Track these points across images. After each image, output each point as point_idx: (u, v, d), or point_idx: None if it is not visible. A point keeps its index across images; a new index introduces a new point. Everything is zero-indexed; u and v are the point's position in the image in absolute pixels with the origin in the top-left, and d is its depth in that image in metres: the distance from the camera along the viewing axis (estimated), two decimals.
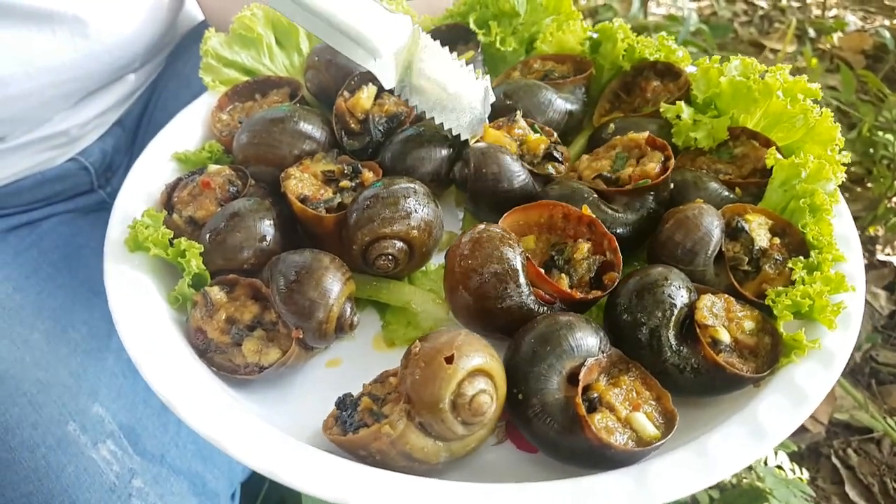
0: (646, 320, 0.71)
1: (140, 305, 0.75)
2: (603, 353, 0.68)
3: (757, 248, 0.77)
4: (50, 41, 1.01)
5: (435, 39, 1.06)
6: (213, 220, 0.80)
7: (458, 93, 0.86)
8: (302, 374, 0.77)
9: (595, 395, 0.66)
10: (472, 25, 1.05)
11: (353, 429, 0.65)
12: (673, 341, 0.70)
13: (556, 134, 0.92)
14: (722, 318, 0.72)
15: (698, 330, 0.70)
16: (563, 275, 0.76)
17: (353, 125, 0.92)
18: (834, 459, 1.51)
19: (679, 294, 0.72)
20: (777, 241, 0.79)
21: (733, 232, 0.79)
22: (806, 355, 0.69)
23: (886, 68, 2.30)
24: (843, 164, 0.84)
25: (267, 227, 0.79)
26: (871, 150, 1.99)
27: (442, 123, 0.86)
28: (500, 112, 0.94)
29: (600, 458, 0.64)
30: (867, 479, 1.48)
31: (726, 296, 0.74)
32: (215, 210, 0.82)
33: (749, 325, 0.72)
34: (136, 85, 1.28)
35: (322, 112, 0.94)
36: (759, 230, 0.79)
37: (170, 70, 1.34)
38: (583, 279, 0.76)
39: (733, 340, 0.71)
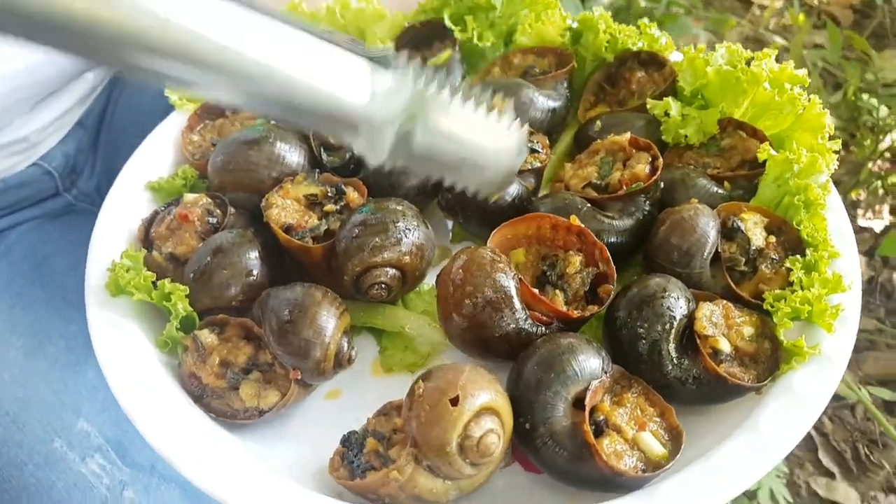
0: (646, 334, 0.70)
1: (128, 353, 0.73)
2: (606, 373, 0.67)
3: (753, 247, 0.76)
4: (1, 49, 0.97)
5: (410, 38, 1.04)
6: (196, 257, 0.77)
7: (481, 147, 0.66)
8: (301, 408, 0.76)
9: (601, 417, 0.66)
10: (447, 22, 1.01)
11: (360, 471, 0.64)
12: (674, 354, 0.70)
13: (527, 124, 0.89)
14: (721, 326, 0.71)
15: (698, 340, 0.70)
16: (557, 291, 0.75)
17: (331, 139, 0.89)
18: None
19: (678, 305, 0.71)
20: (773, 239, 0.78)
21: (729, 232, 0.77)
22: (806, 361, 0.68)
23: (874, 24, 2.26)
24: (834, 152, 0.83)
25: (253, 261, 0.76)
26: (856, 115, 1.98)
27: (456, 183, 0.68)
28: None
29: (611, 485, 0.64)
30: (840, 445, 1.52)
31: (725, 302, 0.73)
32: (196, 244, 0.79)
33: (748, 330, 0.71)
34: (94, 82, 1.23)
35: (298, 129, 0.91)
36: (754, 229, 0.77)
37: None
38: (578, 293, 0.75)
39: (733, 349, 0.70)
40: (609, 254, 0.75)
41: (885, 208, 1.96)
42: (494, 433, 0.61)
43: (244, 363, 0.71)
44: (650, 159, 0.83)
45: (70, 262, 0.79)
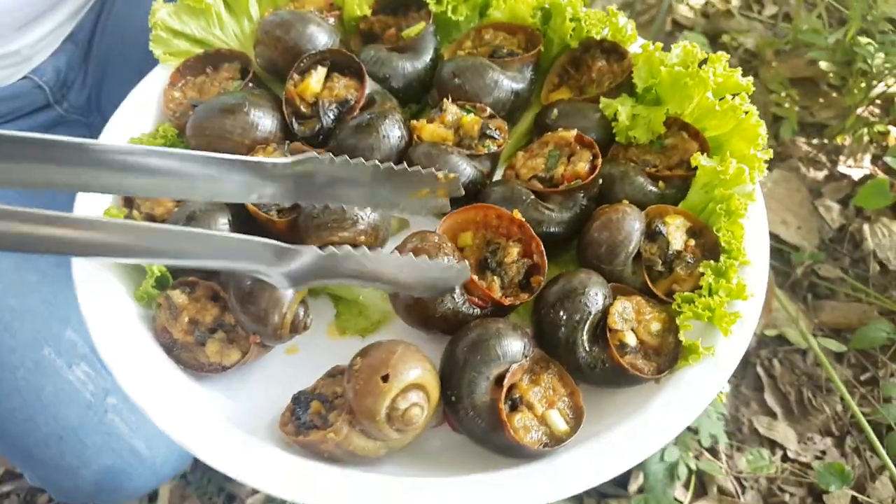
0: (565, 323, 0.79)
1: (108, 304, 0.81)
2: (526, 357, 0.77)
3: (671, 251, 0.84)
4: None
5: (387, 4, 1.06)
6: (171, 220, 0.84)
7: (402, 283, 0.75)
8: (261, 363, 0.85)
9: (517, 395, 0.76)
10: None
11: (304, 429, 0.74)
12: (586, 343, 0.79)
13: (488, 109, 0.94)
14: (632, 321, 0.80)
15: (609, 333, 0.79)
16: (494, 277, 0.83)
17: (303, 109, 0.94)
18: (759, 369, 1.63)
19: (595, 301, 0.79)
20: (692, 242, 0.85)
21: (652, 234, 0.85)
22: (700, 360, 0.78)
23: None
24: (766, 162, 0.89)
25: (222, 228, 0.83)
26: (851, 60, 1.95)
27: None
28: (448, 88, 0.97)
29: (516, 453, 0.74)
30: (785, 387, 1.60)
31: (639, 298, 0.81)
32: (173, 207, 0.86)
33: (656, 326, 0.80)
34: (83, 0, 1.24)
35: (273, 95, 0.95)
36: (675, 233, 0.85)
37: None
38: (513, 281, 0.83)
39: (640, 342, 0.80)
40: (544, 247, 0.82)
41: (867, 157, 1.97)
42: (418, 406, 0.71)
43: (210, 323, 0.80)
44: (591, 157, 0.89)
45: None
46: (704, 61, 0.92)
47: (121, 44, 1.28)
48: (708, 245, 0.85)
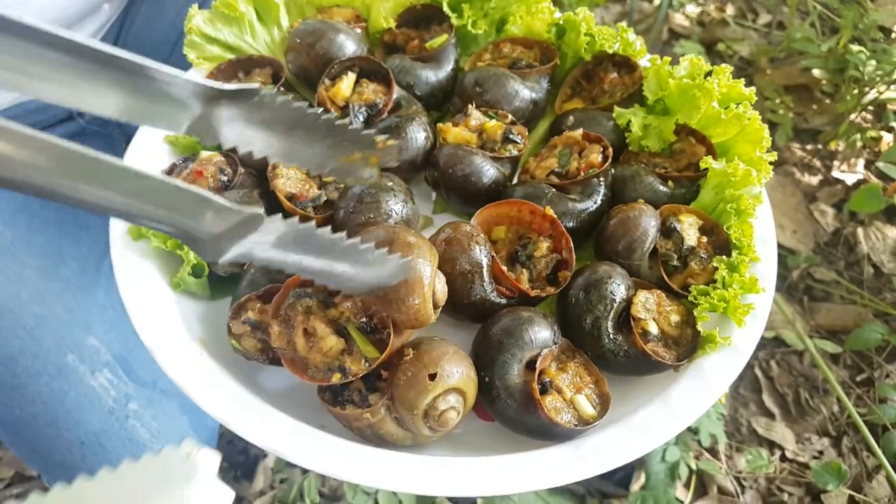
0: (590, 311, 0.80)
1: (146, 291, 0.81)
2: (555, 343, 0.78)
3: (686, 246, 0.86)
4: None
5: (410, 17, 1.09)
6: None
7: (335, 274, 0.62)
8: None
9: (547, 379, 0.76)
10: (445, 8, 1.05)
11: (342, 401, 0.73)
12: (611, 330, 0.80)
13: (510, 116, 0.97)
14: (653, 311, 0.82)
15: (632, 322, 0.80)
16: (524, 269, 0.84)
17: (333, 112, 0.95)
18: (757, 370, 1.62)
19: (619, 290, 0.81)
20: (705, 239, 0.87)
21: (667, 231, 0.87)
22: (717, 349, 0.79)
23: None
24: (770, 164, 0.92)
25: None
26: (844, 67, 1.93)
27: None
28: (470, 96, 0.99)
29: (548, 433, 0.75)
30: (783, 388, 1.59)
31: (659, 292, 0.83)
32: None
33: (675, 318, 0.82)
34: (110, 14, 1.24)
35: (304, 97, 0.96)
36: (689, 230, 0.87)
37: None
38: (541, 274, 0.85)
39: (661, 331, 0.81)
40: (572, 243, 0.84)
41: (861, 162, 1.95)
42: (455, 410, 0.71)
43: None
44: (601, 149, 0.91)
45: None
46: (709, 73, 0.96)
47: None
48: (719, 242, 0.88)
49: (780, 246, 1.78)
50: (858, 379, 1.60)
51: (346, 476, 0.69)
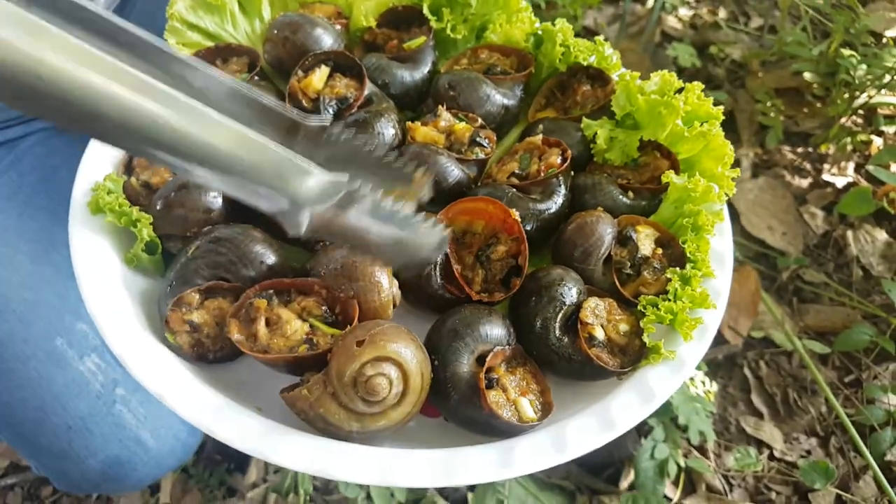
0: (540, 312, 0.79)
1: (100, 265, 0.80)
2: (508, 345, 0.77)
3: (640, 255, 0.85)
4: None
5: (391, 18, 1.09)
6: (164, 188, 0.84)
7: (399, 240, 0.62)
8: None
9: (495, 376, 0.75)
10: (426, 11, 1.06)
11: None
12: (558, 332, 0.79)
13: (479, 119, 0.97)
14: (602, 318, 0.81)
15: (580, 326, 0.79)
16: (481, 270, 0.84)
17: (304, 103, 0.95)
18: (746, 370, 1.60)
19: (570, 294, 0.80)
20: (660, 251, 0.86)
21: (623, 239, 0.86)
22: (661, 361, 0.78)
23: None
24: (733, 180, 0.91)
25: (212, 201, 0.83)
26: (834, 71, 1.92)
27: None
28: (443, 98, 0.99)
29: (487, 426, 0.74)
30: (772, 388, 1.58)
31: (611, 300, 0.82)
32: (169, 177, 0.86)
33: (624, 327, 0.81)
34: (105, 5, 1.25)
35: (276, 89, 0.97)
36: (644, 240, 0.86)
37: None
38: (496, 277, 0.84)
39: (607, 338, 0.80)
40: (528, 243, 0.83)
41: (851, 165, 1.94)
42: (385, 377, 0.69)
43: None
44: (560, 152, 0.91)
45: (73, 175, 0.85)
46: (681, 90, 0.95)
47: None
48: (675, 256, 0.87)
49: (769, 247, 1.78)
50: (846, 380, 1.59)
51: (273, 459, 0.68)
